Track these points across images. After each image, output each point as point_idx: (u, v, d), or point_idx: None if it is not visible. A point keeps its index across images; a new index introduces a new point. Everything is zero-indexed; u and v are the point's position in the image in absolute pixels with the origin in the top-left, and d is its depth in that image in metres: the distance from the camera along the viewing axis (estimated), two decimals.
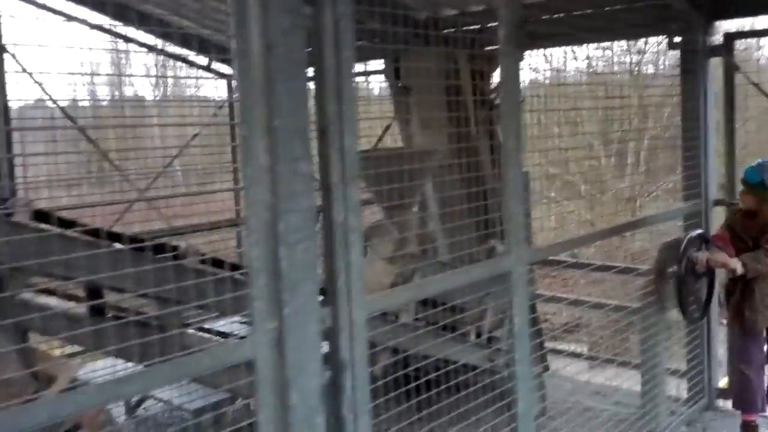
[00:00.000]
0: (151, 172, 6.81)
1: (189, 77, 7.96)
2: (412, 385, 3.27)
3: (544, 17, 4.85)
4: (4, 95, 3.75)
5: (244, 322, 3.79)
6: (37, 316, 2.58)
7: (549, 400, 4.79)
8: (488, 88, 5.51)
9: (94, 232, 2.66)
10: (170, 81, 11.71)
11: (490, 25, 5.22)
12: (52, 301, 3.08)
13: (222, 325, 4.05)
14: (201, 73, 7.70)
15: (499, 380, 3.64)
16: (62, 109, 6.31)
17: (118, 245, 2.73)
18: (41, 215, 2.59)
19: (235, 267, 3.15)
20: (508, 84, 3.23)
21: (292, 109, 2.27)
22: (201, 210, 7.47)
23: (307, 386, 2.33)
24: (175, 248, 2.99)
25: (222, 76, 7.50)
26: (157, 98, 11.73)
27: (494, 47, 5.38)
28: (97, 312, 2.95)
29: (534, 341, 3.70)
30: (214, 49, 7.07)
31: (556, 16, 4.87)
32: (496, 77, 5.58)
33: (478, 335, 4.47)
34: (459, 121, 5.08)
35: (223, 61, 7.42)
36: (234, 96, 7.52)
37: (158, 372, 2.15)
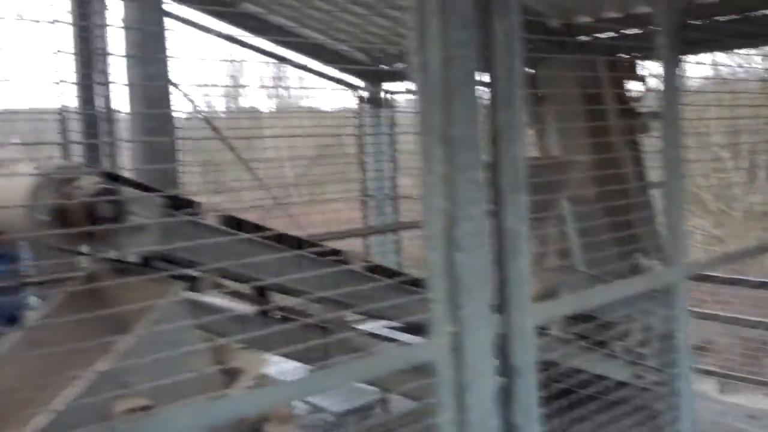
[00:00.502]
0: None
1: (318, 88, 8.16)
2: (556, 399, 3.24)
3: (698, 22, 4.72)
4: (169, 106, 4.03)
5: (392, 327, 3.88)
6: (222, 317, 2.75)
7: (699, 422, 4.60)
8: (628, 97, 5.40)
9: (278, 237, 2.82)
10: (285, 92, 12.04)
11: (628, 32, 5.14)
12: (218, 300, 3.26)
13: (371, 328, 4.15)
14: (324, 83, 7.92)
15: (650, 397, 3.55)
16: (207, 119, 6.65)
17: (291, 250, 2.87)
18: (227, 220, 2.77)
19: (392, 274, 3.24)
20: (668, 91, 3.17)
21: (467, 119, 2.33)
22: (318, 219, 7.66)
23: (483, 389, 2.37)
24: (336, 252, 3.11)
25: (350, 87, 7.75)
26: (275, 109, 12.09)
27: (635, 54, 5.29)
28: (264, 313, 3.12)
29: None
30: (342, 61, 7.31)
31: (707, 21, 4.73)
32: (635, 85, 5.46)
33: (624, 351, 4.37)
34: (599, 131, 4.99)
35: (349, 71, 7.67)
36: (360, 105, 7.76)
37: (342, 371, 2.26)
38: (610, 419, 3.32)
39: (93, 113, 5.74)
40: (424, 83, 2.27)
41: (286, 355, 2.93)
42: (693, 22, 4.73)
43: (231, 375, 2.61)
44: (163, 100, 3.91)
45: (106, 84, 4.45)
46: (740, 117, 5.57)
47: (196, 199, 2.73)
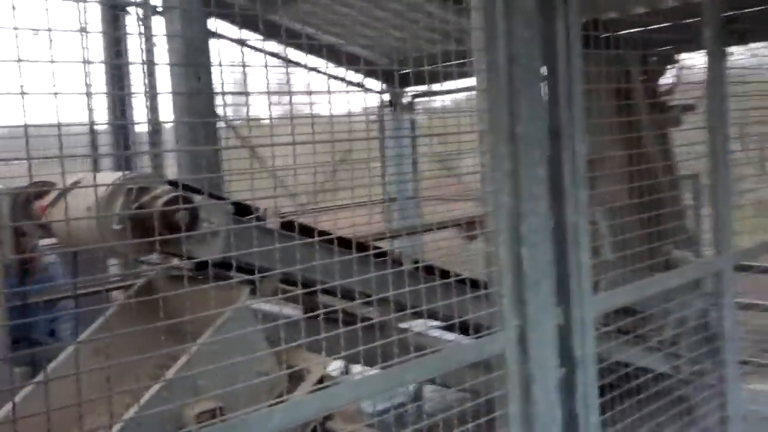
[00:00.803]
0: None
1: (341, 92, 8.20)
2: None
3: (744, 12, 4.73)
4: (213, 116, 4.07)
5: (439, 327, 3.90)
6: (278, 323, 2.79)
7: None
8: (660, 91, 5.41)
9: (334, 240, 2.86)
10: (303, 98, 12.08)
11: (658, 25, 5.16)
12: (267, 306, 3.29)
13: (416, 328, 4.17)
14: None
15: (686, 389, 3.58)
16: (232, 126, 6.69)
17: (348, 252, 2.91)
18: (287, 224, 2.81)
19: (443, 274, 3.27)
20: (714, 84, 3.20)
21: (532, 116, 2.37)
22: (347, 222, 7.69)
23: (547, 381, 2.41)
24: (385, 254, 3.14)
25: (373, 91, 7.83)
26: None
27: (667, 47, 5.31)
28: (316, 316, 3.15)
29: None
30: (363, 64, 7.38)
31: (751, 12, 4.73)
32: (665, 79, 5.47)
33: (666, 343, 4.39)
34: (630, 127, 5.01)
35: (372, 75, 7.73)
36: (380, 108, 7.82)
37: (411, 368, 2.29)
38: (655, 411, 3.35)
39: (125, 124, 5.81)
40: (490, 82, 2.31)
41: (347, 358, 2.95)
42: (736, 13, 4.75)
43: (296, 377, 2.64)
44: (206, 111, 3.96)
45: (151, 95, 4.51)
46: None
47: (258, 205, 2.77)
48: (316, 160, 7.93)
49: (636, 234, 3.91)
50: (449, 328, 3.45)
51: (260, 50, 6.34)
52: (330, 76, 7.40)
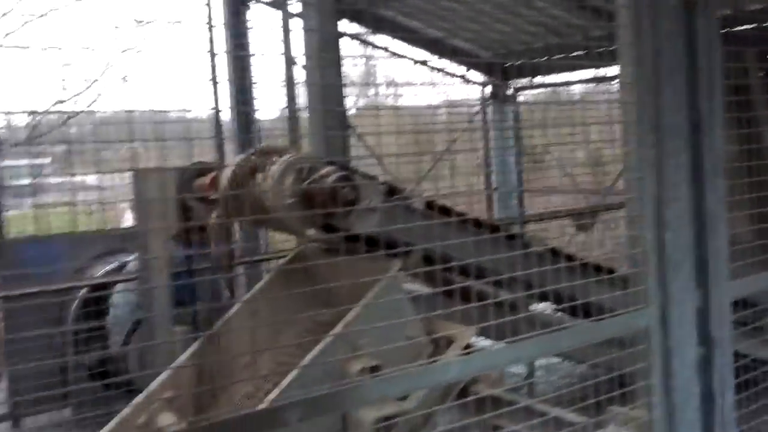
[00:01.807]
0: None
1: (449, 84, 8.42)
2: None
3: None
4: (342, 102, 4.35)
5: (557, 309, 4.04)
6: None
7: None
8: None
9: (473, 221, 3.09)
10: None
11: None
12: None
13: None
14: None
15: None
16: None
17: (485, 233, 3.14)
18: (429, 204, 3.05)
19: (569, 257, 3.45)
20: None
21: (675, 107, 2.52)
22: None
23: (686, 357, 2.56)
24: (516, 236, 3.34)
25: (475, 83, 8.02)
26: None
27: None
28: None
29: None
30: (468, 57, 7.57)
31: None
32: None
33: None
34: (748, 123, 5.02)
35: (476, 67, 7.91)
36: (484, 100, 7.97)
37: (564, 337, 2.49)
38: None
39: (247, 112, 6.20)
40: (637, 75, 2.47)
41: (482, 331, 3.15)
42: None
43: (442, 344, 2.88)
44: (337, 99, 4.25)
45: (290, 86, 4.85)
46: None
47: (404, 186, 3.02)
48: (419, 148, 8.17)
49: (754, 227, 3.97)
50: (571, 311, 3.62)
51: (377, 46, 6.62)
52: (435, 69, 7.65)
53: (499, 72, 7.86)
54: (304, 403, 1.90)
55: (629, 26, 2.47)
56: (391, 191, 2.97)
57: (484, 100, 8.02)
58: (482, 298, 3.04)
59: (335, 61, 4.21)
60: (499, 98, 8.03)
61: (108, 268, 5.45)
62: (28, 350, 4.31)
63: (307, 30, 4.16)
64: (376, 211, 2.72)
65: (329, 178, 2.62)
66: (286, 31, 4.70)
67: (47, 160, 8.25)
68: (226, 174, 2.98)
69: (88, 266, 5.58)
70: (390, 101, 7.43)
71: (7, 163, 7.12)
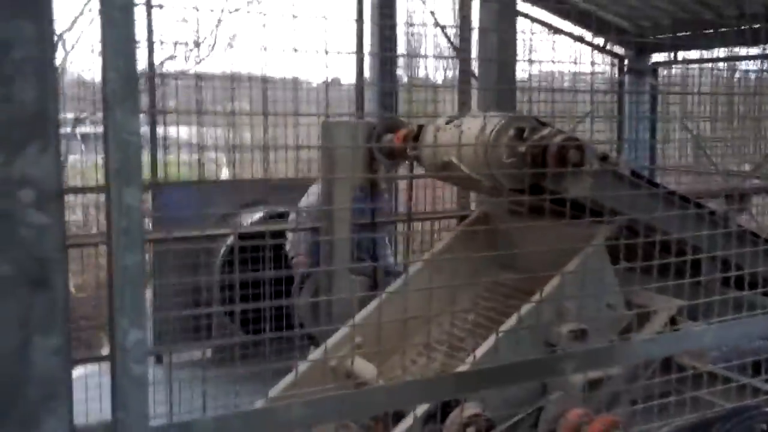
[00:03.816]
0: None
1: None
2: None
3: None
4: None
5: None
6: None
7: None
8: None
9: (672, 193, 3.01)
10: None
11: None
12: None
13: None
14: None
15: None
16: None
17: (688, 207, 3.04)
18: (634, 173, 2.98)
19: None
20: None
21: None
22: None
23: None
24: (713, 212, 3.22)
25: (616, 56, 7.77)
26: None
27: None
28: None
29: None
30: (614, 31, 7.32)
31: None
32: None
33: None
34: None
35: (620, 43, 7.66)
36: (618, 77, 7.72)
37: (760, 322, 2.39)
38: None
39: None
40: None
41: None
42: None
43: (643, 316, 2.82)
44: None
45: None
46: None
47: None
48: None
49: None
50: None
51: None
52: (579, 40, 7.45)
53: (638, 46, 7.61)
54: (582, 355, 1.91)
55: None
56: (603, 158, 2.91)
57: (621, 74, 7.80)
58: (682, 275, 2.95)
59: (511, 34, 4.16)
60: (637, 72, 7.79)
61: (256, 216, 5.59)
62: (176, 293, 4.50)
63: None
64: (590, 175, 2.67)
65: (555, 138, 2.58)
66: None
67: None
68: (430, 129, 2.98)
69: (235, 214, 5.73)
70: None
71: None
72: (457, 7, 5.09)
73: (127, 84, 1.20)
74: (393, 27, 6.03)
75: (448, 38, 5.52)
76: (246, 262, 5.57)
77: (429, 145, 2.92)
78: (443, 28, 5.40)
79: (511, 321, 2.66)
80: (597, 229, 2.84)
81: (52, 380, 1.18)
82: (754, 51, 7.30)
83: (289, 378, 2.98)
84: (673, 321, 2.77)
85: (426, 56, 5.79)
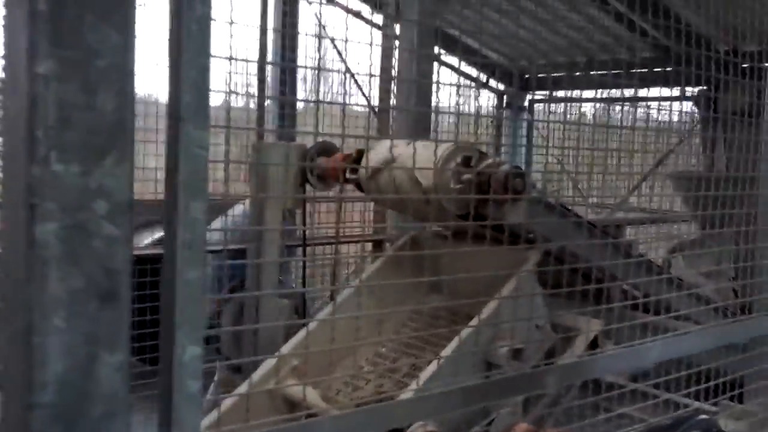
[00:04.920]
0: None
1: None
2: None
3: None
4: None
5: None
6: None
7: None
8: None
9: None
10: None
11: None
12: None
13: None
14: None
15: None
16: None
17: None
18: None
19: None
20: None
21: None
22: None
23: None
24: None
25: (496, 91, 8.22)
26: None
27: None
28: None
29: None
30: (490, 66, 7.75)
31: None
32: None
33: None
34: None
35: (502, 80, 8.10)
36: None
37: (677, 342, 2.67)
38: None
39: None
40: None
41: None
42: None
43: (567, 336, 3.03)
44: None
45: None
46: None
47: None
48: None
49: None
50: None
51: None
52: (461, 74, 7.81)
53: (519, 82, 8.10)
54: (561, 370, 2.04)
55: None
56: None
57: (500, 109, 8.25)
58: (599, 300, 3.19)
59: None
60: (513, 108, 8.28)
61: (154, 238, 5.39)
62: None
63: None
64: (524, 203, 2.84)
65: (502, 167, 2.74)
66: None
67: None
68: (375, 155, 3.06)
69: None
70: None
71: None
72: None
73: (200, 97, 1.20)
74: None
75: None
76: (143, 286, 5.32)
77: (376, 166, 2.99)
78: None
79: (453, 344, 2.76)
80: (527, 254, 3.03)
81: (114, 398, 1.14)
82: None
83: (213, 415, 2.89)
84: (594, 342, 2.99)
85: (338, 71, 5.82)
